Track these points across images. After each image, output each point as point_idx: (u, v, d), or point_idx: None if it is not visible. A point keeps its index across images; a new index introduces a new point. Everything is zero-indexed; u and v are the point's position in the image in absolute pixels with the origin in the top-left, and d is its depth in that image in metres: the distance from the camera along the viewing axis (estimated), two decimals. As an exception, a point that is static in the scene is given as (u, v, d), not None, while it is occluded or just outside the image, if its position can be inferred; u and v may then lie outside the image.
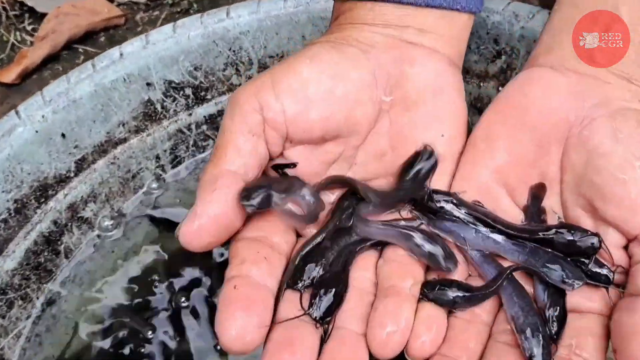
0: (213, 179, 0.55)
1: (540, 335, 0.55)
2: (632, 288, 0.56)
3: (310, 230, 0.61)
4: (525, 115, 0.63)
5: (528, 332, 0.55)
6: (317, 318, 0.55)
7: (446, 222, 0.61)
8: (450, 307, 0.58)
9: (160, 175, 0.85)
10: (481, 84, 0.84)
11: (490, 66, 0.83)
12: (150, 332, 0.73)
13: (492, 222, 0.61)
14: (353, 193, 0.62)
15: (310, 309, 0.56)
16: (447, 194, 0.63)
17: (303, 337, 0.53)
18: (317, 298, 0.56)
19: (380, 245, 0.62)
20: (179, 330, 0.74)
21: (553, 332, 0.56)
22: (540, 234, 0.60)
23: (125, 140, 0.82)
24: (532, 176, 0.63)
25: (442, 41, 0.66)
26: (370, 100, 0.63)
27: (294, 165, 0.61)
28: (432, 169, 0.63)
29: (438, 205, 0.62)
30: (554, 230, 0.60)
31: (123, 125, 0.81)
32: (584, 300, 0.58)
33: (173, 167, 0.85)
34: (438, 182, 0.64)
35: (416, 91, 0.65)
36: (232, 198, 0.54)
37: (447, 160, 0.65)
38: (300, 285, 0.57)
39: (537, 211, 0.62)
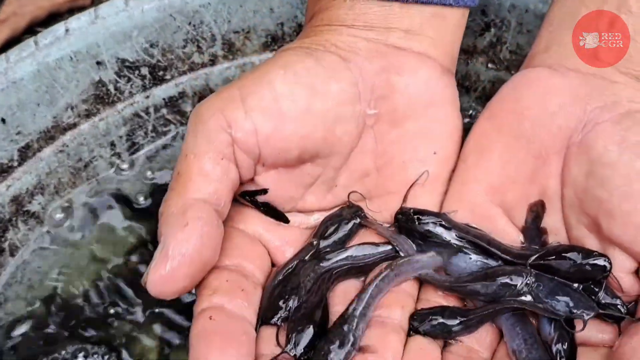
0: (181, 212, 0.48)
1: None
2: None
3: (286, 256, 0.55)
4: (521, 123, 0.57)
5: None
6: (297, 356, 0.50)
7: (435, 246, 0.55)
8: (446, 337, 0.53)
9: (116, 163, 0.77)
10: (469, 61, 0.77)
11: (478, 40, 0.76)
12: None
13: (487, 246, 0.55)
14: (336, 216, 0.56)
15: (289, 346, 0.50)
16: (435, 214, 0.57)
17: None
18: (295, 333, 0.50)
19: (362, 272, 0.56)
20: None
21: None
22: (541, 258, 0.54)
23: (74, 125, 0.74)
24: (530, 193, 0.57)
25: (433, 44, 0.58)
26: (353, 116, 0.56)
27: (264, 191, 0.55)
28: None
29: (424, 228, 0.55)
30: (556, 254, 0.54)
31: (71, 108, 0.73)
32: (595, 332, 0.52)
33: (130, 155, 0.77)
34: (427, 203, 0.58)
35: (405, 104, 0.58)
36: (208, 232, 0.48)
37: (439, 182, 0.59)
38: (276, 319, 0.51)
39: (537, 232, 0.56)
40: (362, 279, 0.56)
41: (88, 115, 0.74)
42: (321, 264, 0.54)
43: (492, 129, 0.58)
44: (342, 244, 0.56)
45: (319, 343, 0.50)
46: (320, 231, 0.56)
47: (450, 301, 0.56)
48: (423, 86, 0.58)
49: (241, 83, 0.53)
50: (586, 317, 0.51)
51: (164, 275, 0.46)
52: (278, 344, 0.50)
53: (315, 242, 0.55)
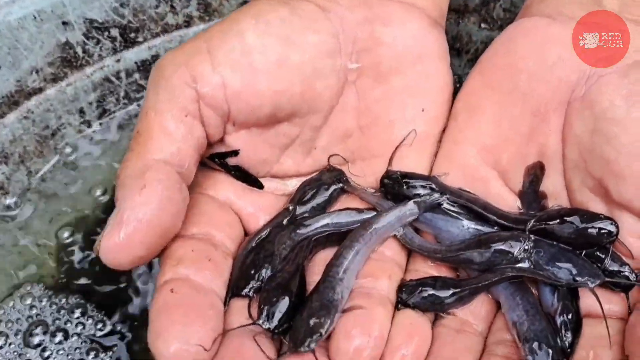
0: (139, 173, 0.43)
1: (550, 347, 0.45)
2: None
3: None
4: (517, 77, 0.52)
5: (534, 342, 0.46)
6: (270, 329, 0.45)
7: (425, 212, 0.51)
8: (437, 310, 0.49)
9: (86, 132, 0.72)
10: (459, 20, 0.72)
11: (469, -3, 0.71)
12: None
13: (482, 211, 0.51)
14: (315, 180, 0.52)
15: (261, 318, 0.45)
16: (425, 177, 0.52)
17: (255, 353, 0.43)
18: (268, 305, 0.46)
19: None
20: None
21: (566, 343, 0.46)
22: (541, 223, 0.49)
23: (40, 90, 0.69)
24: (527, 153, 0.52)
25: None
26: (333, 70, 0.51)
27: (235, 153, 0.50)
28: None
29: (413, 192, 0.51)
30: (558, 218, 0.49)
31: (36, 72, 0.68)
32: (602, 302, 0.47)
33: (101, 123, 0.72)
34: (416, 165, 0.53)
35: (390, 58, 0.53)
36: (168, 195, 0.43)
37: (428, 141, 0.54)
38: (247, 290, 0.47)
39: (535, 196, 0.51)
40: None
41: (54, 79, 0.69)
42: (298, 231, 0.50)
43: (483, 85, 0.53)
44: (321, 210, 0.52)
45: (297, 313, 0.46)
46: (298, 196, 0.52)
47: (441, 271, 0.51)
48: (411, 39, 0.53)
49: (208, 34, 0.48)
50: (591, 285, 0.47)
51: (118, 243, 0.41)
52: (250, 316, 0.46)
53: (291, 208, 0.51)
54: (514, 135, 0.52)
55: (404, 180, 0.52)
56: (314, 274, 0.49)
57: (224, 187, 0.51)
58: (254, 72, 0.48)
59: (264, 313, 0.45)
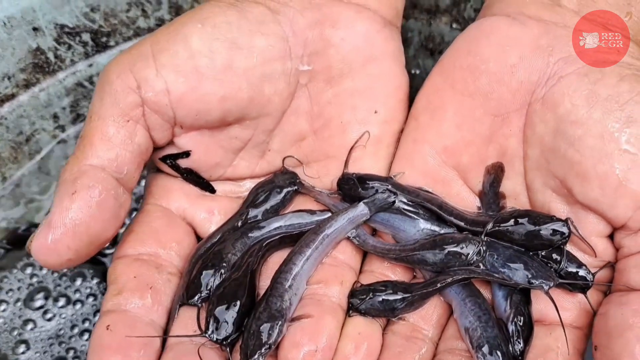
0: (72, 178, 0.44)
1: (503, 354, 0.45)
2: (623, 283, 0.46)
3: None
4: (477, 78, 0.51)
5: (487, 349, 0.45)
6: (218, 340, 0.44)
7: (378, 212, 0.50)
8: (388, 316, 0.48)
9: (61, 137, 0.72)
10: (431, 21, 0.71)
11: (441, -2, 0.70)
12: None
13: (438, 210, 0.50)
14: (268, 183, 0.51)
15: (209, 329, 0.45)
16: (381, 179, 0.51)
17: None
18: (215, 315, 0.45)
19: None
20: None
21: (517, 350, 0.45)
22: (496, 225, 0.49)
23: (13, 96, 0.69)
24: (488, 154, 0.52)
25: None
26: (283, 73, 0.50)
27: (186, 154, 0.50)
28: None
29: (370, 193, 0.50)
30: (512, 220, 0.48)
31: (9, 78, 0.68)
32: (554, 308, 0.47)
33: (76, 128, 0.72)
34: (372, 167, 0.53)
35: (341, 60, 0.52)
36: (98, 202, 0.43)
37: (382, 144, 0.53)
38: (196, 298, 0.46)
39: (494, 197, 0.50)
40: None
41: (27, 85, 0.69)
42: (250, 235, 0.49)
43: (445, 85, 0.52)
44: (274, 213, 0.51)
45: (246, 322, 0.45)
46: (250, 199, 0.51)
47: (396, 272, 0.50)
48: (361, 40, 0.52)
49: (155, 38, 0.48)
50: (546, 288, 0.46)
51: (46, 245, 0.42)
52: (199, 327, 0.45)
53: (243, 211, 0.50)
54: (474, 137, 0.51)
55: (360, 182, 0.51)
56: (268, 277, 0.49)
57: (176, 196, 0.51)
58: (199, 76, 0.47)
59: (211, 324, 0.45)
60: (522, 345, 0.45)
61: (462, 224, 0.49)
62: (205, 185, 0.51)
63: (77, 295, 0.63)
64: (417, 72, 0.71)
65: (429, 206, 0.50)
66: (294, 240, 0.50)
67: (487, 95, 0.51)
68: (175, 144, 0.50)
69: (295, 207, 0.52)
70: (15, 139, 0.70)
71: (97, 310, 0.62)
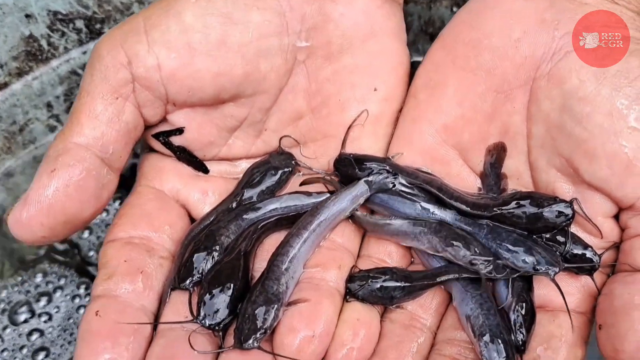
0: (55, 156, 0.43)
1: (505, 342, 0.43)
2: (629, 264, 0.45)
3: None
4: (479, 53, 0.49)
5: (489, 337, 0.44)
6: (210, 326, 0.43)
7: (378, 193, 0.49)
8: (386, 304, 0.47)
9: (55, 126, 0.71)
10: (431, 5, 0.69)
11: (441, -20, 0.69)
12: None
13: (437, 192, 0.48)
14: (264, 163, 0.50)
15: (200, 315, 0.43)
16: (379, 159, 0.50)
17: (190, 353, 0.42)
18: (206, 300, 0.44)
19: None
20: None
21: (519, 339, 0.44)
22: (496, 209, 0.47)
23: (5, 85, 0.68)
24: (490, 132, 0.50)
25: None
26: (280, 49, 0.49)
27: (179, 131, 0.48)
28: None
29: (368, 174, 0.49)
30: (513, 203, 0.47)
31: (1, 67, 0.67)
32: (557, 293, 0.45)
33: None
34: (370, 147, 0.51)
35: (339, 36, 0.51)
36: (77, 181, 0.42)
37: (382, 122, 0.52)
38: (188, 282, 0.45)
39: (496, 177, 0.49)
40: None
41: (20, 73, 0.68)
42: (244, 216, 0.48)
43: (445, 61, 0.51)
44: (270, 194, 0.50)
45: (240, 306, 0.44)
46: (245, 180, 0.50)
47: (393, 258, 0.49)
48: (361, 15, 0.51)
49: (148, 13, 0.47)
50: (552, 275, 0.45)
51: (21, 221, 0.42)
52: (191, 312, 0.44)
53: (237, 192, 0.49)
54: (476, 114, 0.50)
55: (357, 162, 0.49)
56: (263, 260, 0.47)
57: (169, 176, 0.50)
58: (191, 52, 0.46)
59: (203, 309, 0.43)
60: (524, 334, 0.44)
61: (462, 206, 0.48)
62: (198, 164, 0.50)
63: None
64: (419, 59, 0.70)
65: (428, 188, 0.49)
66: (291, 222, 0.48)
67: (489, 70, 0.49)
68: (169, 121, 0.49)
69: (292, 188, 0.51)
70: (9, 129, 0.69)
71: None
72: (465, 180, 0.50)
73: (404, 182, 0.49)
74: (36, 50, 0.68)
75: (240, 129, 0.51)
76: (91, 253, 0.64)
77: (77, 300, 0.61)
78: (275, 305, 0.43)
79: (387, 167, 0.49)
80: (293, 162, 0.51)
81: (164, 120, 0.48)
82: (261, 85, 0.49)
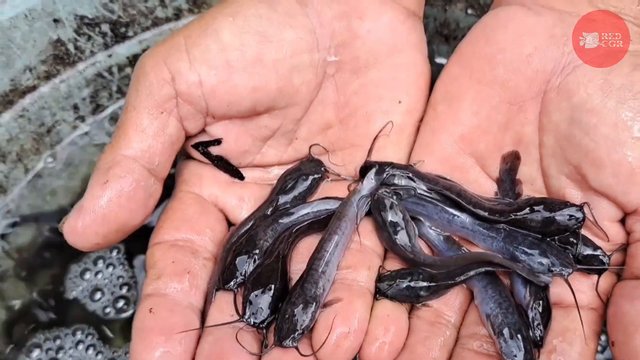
0: (106, 168, 0.46)
1: (524, 340, 0.47)
2: (634, 269, 0.48)
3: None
4: (493, 67, 0.53)
5: (509, 335, 0.47)
6: (255, 324, 0.46)
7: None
8: (413, 302, 0.50)
9: (80, 127, 0.73)
10: (447, 7, 0.73)
11: (456, -16, 0.72)
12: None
13: (457, 198, 0.51)
14: (295, 170, 0.53)
15: (246, 314, 0.47)
16: (402, 166, 0.53)
17: (237, 350, 0.45)
18: (251, 300, 0.47)
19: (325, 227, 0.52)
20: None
21: (537, 335, 0.47)
22: (511, 214, 0.50)
23: (34, 88, 0.70)
24: (504, 141, 0.53)
25: None
26: (311, 64, 0.52)
27: (218, 142, 0.51)
28: None
29: (392, 181, 0.52)
30: (527, 209, 0.50)
31: (30, 70, 0.69)
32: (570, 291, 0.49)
33: (96, 118, 0.74)
34: (394, 155, 0.55)
35: (367, 51, 0.54)
36: (128, 192, 0.46)
37: (405, 133, 0.55)
38: (232, 284, 0.48)
39: (511, 183, 0.52)
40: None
41: (48, 76, 0.70)
42: (280, 221, 0.51)
43: (462, 74, 0.54)
44: (302, 200, 0.53)
45: (280, 306, 0.47)
46: (279, 187, 0.53)
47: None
48: (386, 31, 0.54)
49: (188, 31, 0.50)
50: (565, 275, 0.48)
51: (77, 229, 0.45)
52: (236, 311, 0.47)
53: (273, 199, 0.52)
54: (491, 125, 0.53)
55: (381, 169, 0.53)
56: (298, 262, 0.51)
57: (208, 183, 0.53)
58: (230, 69, 0.49)
59: (248, 309, 0.47)
60: (541, 330, 0.47)
61: (480, 212, 0.51)
62: (234, 172, 0.53)
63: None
64: (435, 59, 0.73)
65: (448, 194, 0.52)
66: (322, 226, 0.51)
67: (503, 84, 0.52)
68: (207, 132, 0.51)
69: (321, 194, 0.54)
70: (37, 131, 0.72)
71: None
72: (483, 186, 0.54)
73: (423, 187, 0.52)
74: (63, 54, 0.70)
75: (273, 138, 0.53)
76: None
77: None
78: (313, 307, 0.46)
79: (410, 174, 0.52)
80: (322, 168, 0.54)
81: (202, 131, 0.51)
82: (293, 98, 0.52)
